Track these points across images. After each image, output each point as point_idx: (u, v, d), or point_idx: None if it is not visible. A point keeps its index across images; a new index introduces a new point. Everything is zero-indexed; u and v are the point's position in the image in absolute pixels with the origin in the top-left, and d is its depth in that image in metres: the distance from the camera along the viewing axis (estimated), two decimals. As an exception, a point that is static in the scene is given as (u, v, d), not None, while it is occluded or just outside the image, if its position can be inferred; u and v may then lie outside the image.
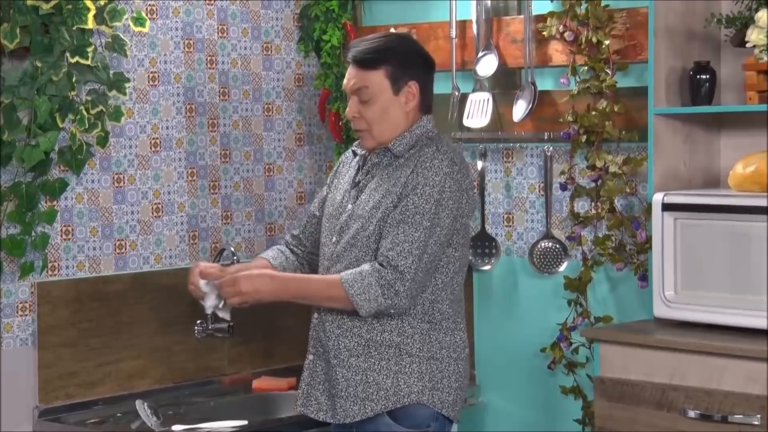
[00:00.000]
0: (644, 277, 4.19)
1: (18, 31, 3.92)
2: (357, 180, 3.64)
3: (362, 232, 3.53)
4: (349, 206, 3.61)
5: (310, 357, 3.63)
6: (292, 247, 3.83)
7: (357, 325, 3.52)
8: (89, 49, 4.02)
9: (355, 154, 3.73)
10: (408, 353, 3.51)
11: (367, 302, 3.44)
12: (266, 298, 3.56)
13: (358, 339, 3.52)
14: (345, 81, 3.62)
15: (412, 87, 3.58)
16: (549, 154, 4.47)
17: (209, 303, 3.62)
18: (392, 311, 3.47)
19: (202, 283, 3.61)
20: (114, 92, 4.15)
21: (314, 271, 3.74)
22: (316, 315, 3.62)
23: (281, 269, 3.74)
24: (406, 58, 3.60)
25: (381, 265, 3.44)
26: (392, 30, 4.51)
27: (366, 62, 3.57)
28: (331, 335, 3.55)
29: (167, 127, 4.50)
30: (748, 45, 3.79)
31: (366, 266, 3.46)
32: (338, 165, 3.79)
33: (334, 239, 3.61)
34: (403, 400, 3.49)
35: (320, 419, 3.58)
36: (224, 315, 3.67)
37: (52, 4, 3.94)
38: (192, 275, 3.64)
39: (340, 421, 3.53)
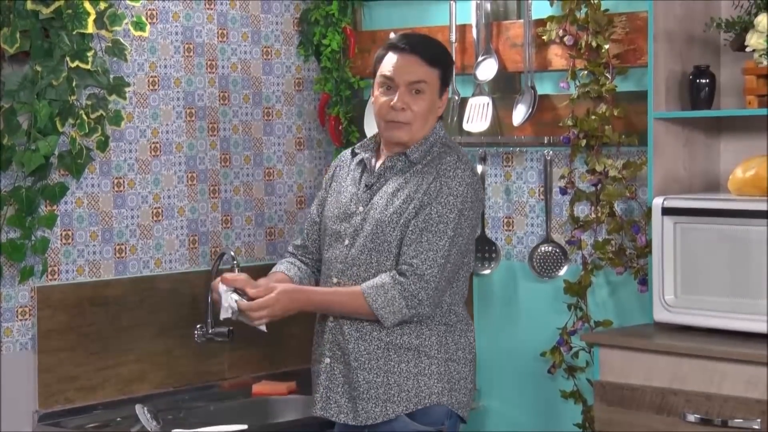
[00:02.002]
0: (644, 281, 4.19)
1: (18, 35, 3.92)
2: (370, 183, 3.65)
3: (382, 236, 3.55)
4: (361, 209, 3.61)
5: (327, 360, 3.63)
6: (299, 257, 3.83)
7: (376, 329, 3.56)
8: (89, 54, 4.02)
9: (354, 153, 3.72)
10: (427, 355, 3.55)
11: (392, 314, 3.49)
12: (292, 313, 3.59)
13: (378, 342, 3.55)
14: (401, 71, 3.58)
15: (446, 96, 3.67)
16: (549, 158, 4.47)
17: (225, 307, 3.57)
18: (415, 319, 3.52)
19: (221, 288, 3.57)
20: (114, 96, 4.16)
21: None
22: (332, 319, 3.63)
23: (297, 279, 3.75)
24: (450, 68, 3.70)
25: (403, 274, 3.48)
26: (392, 35, 4.50)
27: (432, 57, 3.61)
28: (351, 338, 3.57)
29: (167, 132, 4.50)
30: (747, 49, 3.79)
31: (386, 278, 3.49)
32: (334, 168, 3.78)
33: (346, 242, 3.61)
34: (424, 402, 3.54)
35: (341, 422, 3.60)
36: (261, 327, 3.63)
37: (52, 8, 3.94)
38: (214, 284, 3.61)
39: (362, 423, 3.56)
